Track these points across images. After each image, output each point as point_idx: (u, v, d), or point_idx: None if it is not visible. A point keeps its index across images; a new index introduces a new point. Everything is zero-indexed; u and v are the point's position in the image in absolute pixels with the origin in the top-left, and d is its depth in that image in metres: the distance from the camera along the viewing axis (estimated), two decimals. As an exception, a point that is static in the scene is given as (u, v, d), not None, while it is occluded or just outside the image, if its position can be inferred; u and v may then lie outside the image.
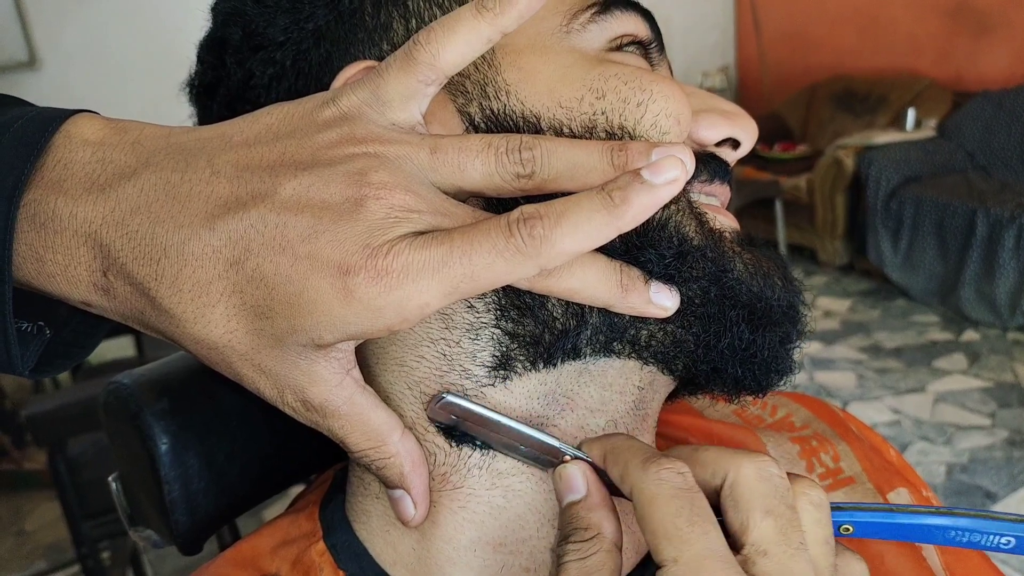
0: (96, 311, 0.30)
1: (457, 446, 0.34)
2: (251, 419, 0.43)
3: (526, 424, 0.32)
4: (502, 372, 0.33)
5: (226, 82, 0.38)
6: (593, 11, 0.35)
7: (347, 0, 0.35)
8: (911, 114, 3.50)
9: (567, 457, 0.31)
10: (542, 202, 0.27)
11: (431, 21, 0.34)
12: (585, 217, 0.26)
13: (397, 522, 0.36)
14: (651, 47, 0.38)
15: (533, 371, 0.34)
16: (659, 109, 0.34)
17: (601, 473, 0.30)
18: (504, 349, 0.33)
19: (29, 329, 0.31)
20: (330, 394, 0.29)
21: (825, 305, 3.29)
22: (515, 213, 0.27)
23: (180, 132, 0.30)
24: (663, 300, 0.32)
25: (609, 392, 0.35)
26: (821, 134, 3.87)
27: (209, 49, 0.39)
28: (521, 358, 0.33)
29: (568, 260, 0.27)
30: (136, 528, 0.45)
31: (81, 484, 1.48)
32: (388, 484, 0.33)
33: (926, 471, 2.18)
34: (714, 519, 0.26)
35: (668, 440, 0.48)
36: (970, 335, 2.93)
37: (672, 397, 0.39)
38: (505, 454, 0.33)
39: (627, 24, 0.36)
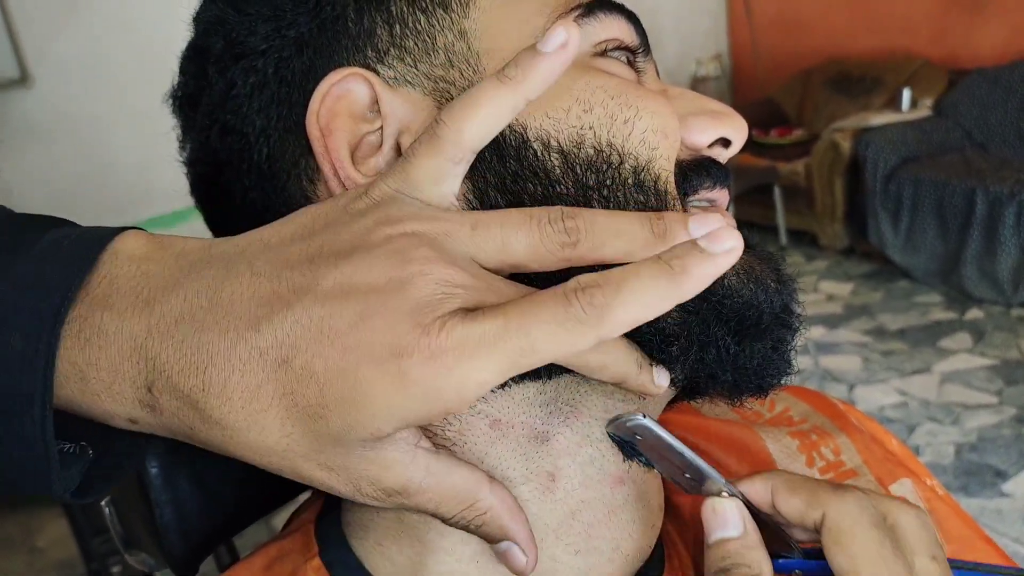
0: (142, 428, 0.29)
1: (627, 460, 0.34)
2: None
3: (697, 455, 0.32)
4: None
5: (208, 92, 0.37)
6: (577, 13, 0.35)
7: (329, 7, 0.35)
8: (907, 94, 3.48)
9: (724, 492, 0.32)
10: (597, 272, 0.26)
11: (414, 26, 0.34)
12: (645, 286, 0.25)
13: (395, 535, 0.36)
14: (637, 52, 0.37)
15: (529, 380, 0.34)
16: (646, 126, 0.34)
17: (752, 511, 0.32)
18: None
19: (71, 450, 0.30)
20: (407, 474, 0.28)
21: (827, 289, 3.28)
22: (571, 283, 0.26)
23: (220, 243, 0.29)
24: (661, 379, 0.33)
25: (612, 400, 0.35)
26: (817, 118, 3.85)
27: (191, 59, 0.39)
28: None
29: (625, 331, 0.26)
30: (131, 551, 0.45)
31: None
32: (491, 539, 0.31)
33: (935, 452, 2.17)
34: None
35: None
36: (974, 313, 2.93)
37: (671, 403, 0.39)
38: (665, 476, 0.34)
39: (612, 28, 0.36)
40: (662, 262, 0.26)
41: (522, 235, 0.28)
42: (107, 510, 0.45)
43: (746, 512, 0.32)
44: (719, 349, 0.34)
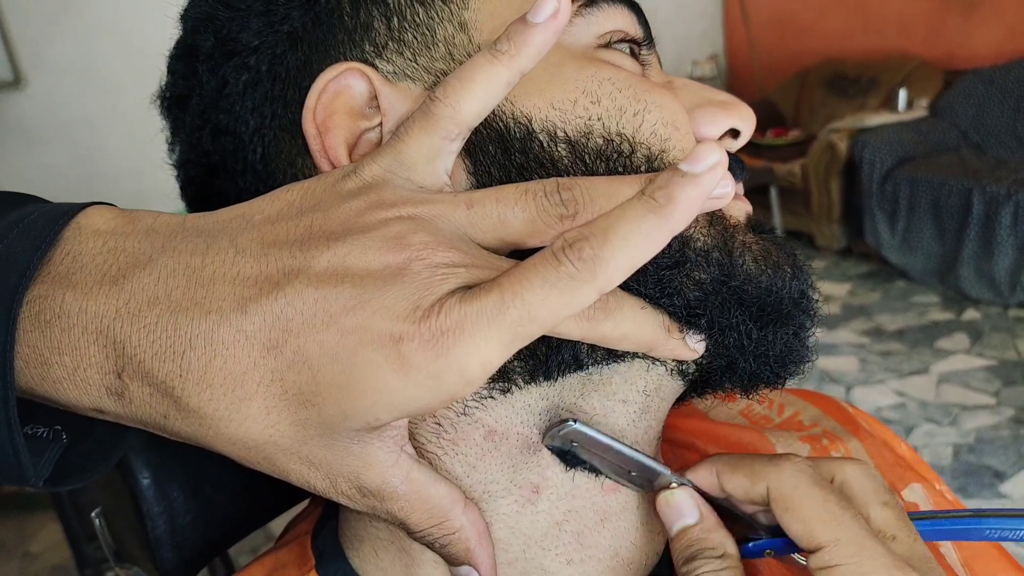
0: (110, 419, 0.27)
1: (569, 469, 0.33)
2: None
3: (639, 451, 0.33)
4: (501, 384, 0.32)
5: (199, 92, 0.36)
6: (579, 4, 0.34)
7: (324, 0, 0.34)
8: (903, 95, 3.49)
9: (673, 484, 0.33)
10: (583, 225, 0.25)
11: (413, 19, 0.33)
12: (633, 227, 0.24)
13: (386, 546, 0.35)
14: (641, 44, 0.36)
15: (534, 385, 0.33)
16: (655, 119, 0.33)
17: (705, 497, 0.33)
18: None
19: (44, 434, 0.29)
20: (387, 476, 0.27)
21: (825, 290, 3.26)
22: (558, 241, 0.25)
23: (196, 217, 0.28)
24: (696, 342, 0.32)
25: (612, 401, 0.34)
26: (813, 119, 3.85)
27: (180, 58, 0.37)
28: (519, 370, 0.32)
29: (624, 278, 0.25)
30: (123, 564, 0.43)
31: (82, 505, 1.47)
32: (453, 561, 0.30)
33: (933, 453, 2.17)
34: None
35: (674, 445, 0.46)
36: (971, 314, 2.92)
37: (680, 400, 0.38)
38: (612, 478, 0.34)
39: (615, 19, 0.35)
40: (646, 197, 0.25)
41: (518, 210, 0.27)
42: (97, 522, 0.44)
43: (699, 498, 0.33)
44: (740, 334, 0.33)
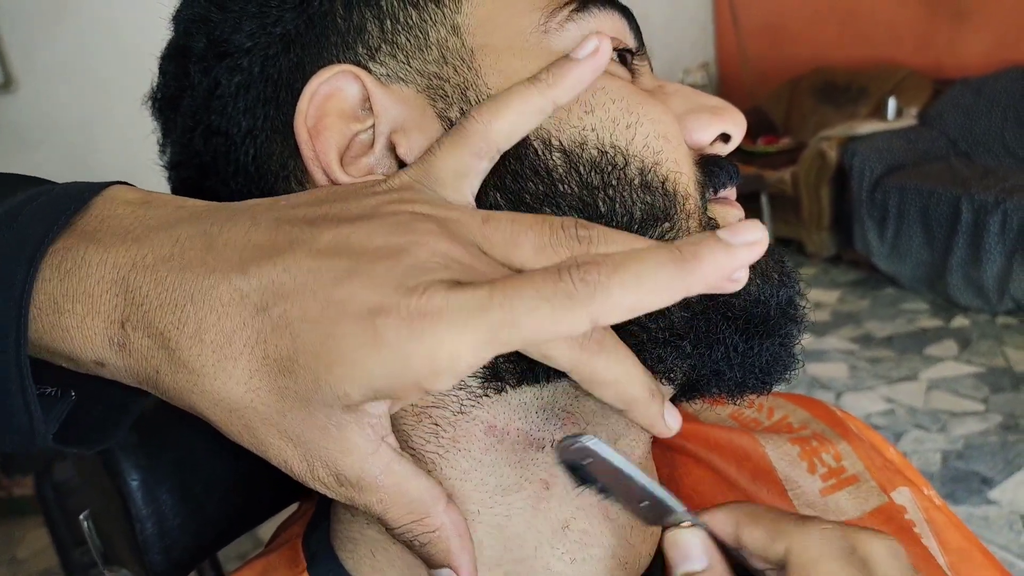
0: (108, 373, 0.27)
1: (579, 486, 0.32)
2: (229, 444, 0.41)
3: (655, 482, 0.30)
4: (495, 383, 0.33)
5: (190, 93, 0.36)
6: (571, 8, 0.34)
7: (317, 2, 0.34)
8: (892, 103, 3.51)
9: (685, 523, 0.30)
10: (599, 254, 0.24)
11: (406, 21, 0.33)
12: (649, 269, 0.23)
13: (384, 546, 0.35)
14: (633, 52, 0.37)
15: (527, 385, 0.33)
16: (647, 132, 0.34)
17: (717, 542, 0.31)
18: (492, 359, 0.32)
19: (53, 393, 0.29)
20: (365, 464, 0.26)
21: (814, 297, 3.29)
22: (567, 260, 0.24)
23: (227, 203, 0.29)
24: (672, 420, 0.30)
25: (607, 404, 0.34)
26: (804, 127, 3.87)
27: (171, 59, 0.38)
28: (509, 369, 0.32)
29: (623, 317, 0.23)
30: (111, 567, 0.43)
31: (69, 510, 1.45)
32: (432, 563, 0.29)
33: (922, 459, 2.18)
34: None
35: (664, 448, 0.46)
36: (960, 321, 2.94)
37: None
38: (621, 504, 0.32)
39: (606, 24, 0.35)
40: (672, 247, 0.24)
41: (532, 234, 0.27)
42: (85, 524, 0.44)
43: (711, 543, 0.30)
44: (727, 348, 0.33)
